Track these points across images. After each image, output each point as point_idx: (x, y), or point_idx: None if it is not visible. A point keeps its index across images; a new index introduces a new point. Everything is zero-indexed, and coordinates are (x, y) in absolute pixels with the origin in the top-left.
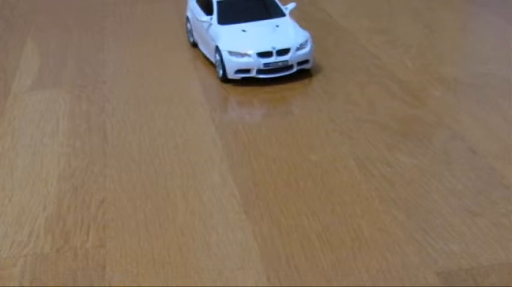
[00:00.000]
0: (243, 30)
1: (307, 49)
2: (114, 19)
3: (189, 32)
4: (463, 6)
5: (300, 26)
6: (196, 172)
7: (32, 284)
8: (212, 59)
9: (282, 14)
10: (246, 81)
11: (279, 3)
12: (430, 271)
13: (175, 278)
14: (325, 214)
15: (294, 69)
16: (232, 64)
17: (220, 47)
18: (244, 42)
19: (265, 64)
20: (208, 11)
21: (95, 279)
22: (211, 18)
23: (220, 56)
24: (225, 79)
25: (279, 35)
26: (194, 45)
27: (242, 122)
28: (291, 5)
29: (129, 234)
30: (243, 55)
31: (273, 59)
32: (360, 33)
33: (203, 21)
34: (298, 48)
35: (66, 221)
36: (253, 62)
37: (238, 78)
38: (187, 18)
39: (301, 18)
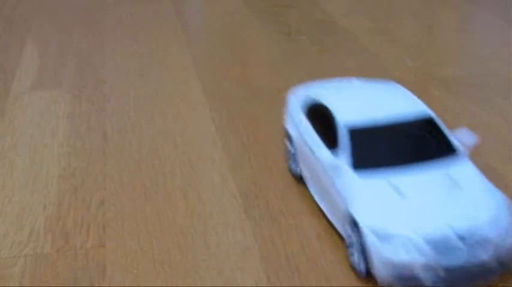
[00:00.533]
0: (398, 191)
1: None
2: (113, 19)
3: (291, 157)
4: (463, 6)
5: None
6: (196, 172)
7: (32, 284)
8: (338, 228)
9: (454, 151)
10: None
11: (448, 133)
12: None
13: (175, 278)
14: (325, 214)
15: (496, 274)
16: (385, 261)
17: (360, 223)
18: (403, 217)
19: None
20: (326, 134)
21: (95, 279)
22: (338, 157)
23: (360, 238)
24: (370, 278)
25: (462, 204)
26: (300, 178)
27: (243, 122)
28: (469, 137)
29: (129, 234)
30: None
31: (464, 256)
32: (360, 33)
33: (322, 160)
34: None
35: (66, 221)
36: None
37: None
38: (288, 134)
39: (300, 18)
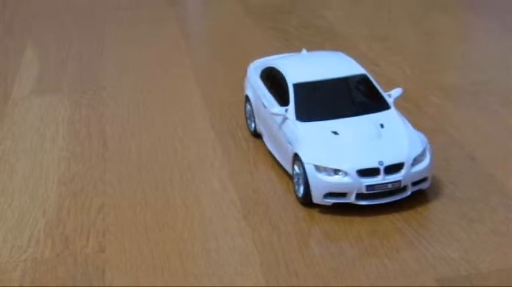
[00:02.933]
0: (334, 132)
1: (425, 162)
2: (114, 25)
3: (249, 118)
4: (462, 14)
5: (410, 123)
6: (196, 178)
7: None
8: (287, 168)
9: (386, 106)
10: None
11: (381, 89)
12: (428, 278)
13: (175, 284)
14: (325, 220)
15: (408, 193)
16: (320, 185)
17: (303, 158)
18: (337, 153)
19: (369, 187)
20: (279, 96)
21: (95, 284)
22: (286, 110)
23: (303, 170)
24: (307, 202)
25: (386, 141)
26: (256, 135)
27: (242, 129)
28: (396, 91)
29: (128, 239)
30: (336, 172)
31: (380, 179)
32: (359, 40)
33: (274, 114)
34: (414, 163)
35: (66, 226)
36: (352, 184)
37: (329, 204)
38: (247, 98)
39: (300, 25)
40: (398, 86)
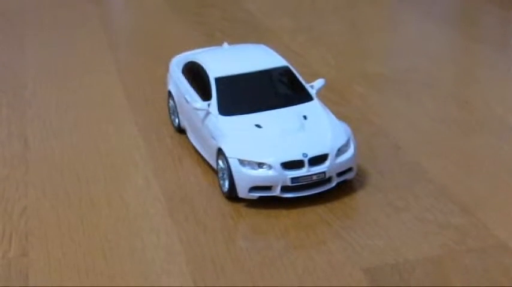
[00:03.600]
0: (258, 126)
1: (350, 153)
2: (34, 23)
3: (173, 113)
4: (386, 3)
5: (334, 114)
6: (120, 177)
7: None
8: (211, 163)
9: (309, 97)
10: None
11: (303, 81)
12: (356, 268)
13: (100, 284)
14: (251, 214)
15: (333, 184)
16: (245, 179)
17: (226, 153)
18: (261, 146)
19: (294, 179)
20: (201, 90)
21: None
22: (208, 105)
23: (227, 164)
24: (233, 197)
25: (310, 133)
26: (181, 130)
27: (166, 125)
28: (319, 82)
29: (52, 242)
30: (260, 165)
31: (305, 171)
32: (283, 32)
33: (196, 109)
34: (338, 153)
35: None
36: (277, 177)
37: (254, 198)
38: (170, 93)
39: (223, 18)
40: (322, 77)
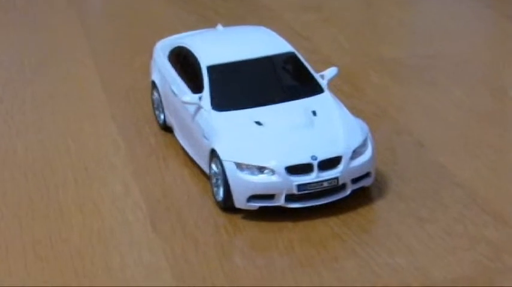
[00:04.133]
0: (258, 123)
1: (367, 155)
2: (3, 9)
3: (158, 108)
4: None
5: (348, 108)
6: (95, 182)
7: None
8: (203, 167)
9: (319, 89)
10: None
11: (311, 69)
12: None
13: None
14: (250, 228)
15: (348, 192)
16: (243, 186)
17: (221, 155)
18: (262, 147)
19: (301, 186)
20: (191, 81)
21: None
22: (199, 98)
23: (221, 169)
24: (229, 207)
25: (320, 132)
26: (166, 128)
27: (149, 122)
28: (331, 71)
29: (14, 258)
30: (261, 170)
31: (314, 176)
32: (286, 10)
33: (185, 103)
34: (353, 155)
35: None
36: (281, 183)
37: (254, 208)
38: (154, 84)
39: None
40: (334, 65)
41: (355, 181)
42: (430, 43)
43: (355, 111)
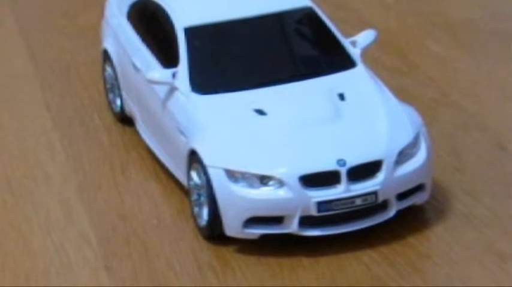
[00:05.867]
0: (259, 111)
1: (420, 159)
2: None
3: (111, 89)
4: None
5: (393, 92)
6: (21, 202)
7: None
8: (178, 175)
9: (348, 62)
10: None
11: (338, 33)
12: None
13: None
14: (247, 267)
15: (392, 212)
16: (237, 204)
17: (205, 159)
18: (264, 147)
19: (322, 205)
20: (162, 50)
21: None
22: (173, 75)
23: (206, 179)
24: (216, 235)
25: (350, 125)
26: (125, 118)
27: (99, 110)
28: (366, 36)
29: None
30: (264, 181)
31: (342, 190)
32: None
33: (153, 82)
34: (400, 160)
35: None
36: (293, 200)
37: (254, 237)
38: (106, 54)
39: None
40: (371, 26)
41: (401, 196)
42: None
43: (405, 95)
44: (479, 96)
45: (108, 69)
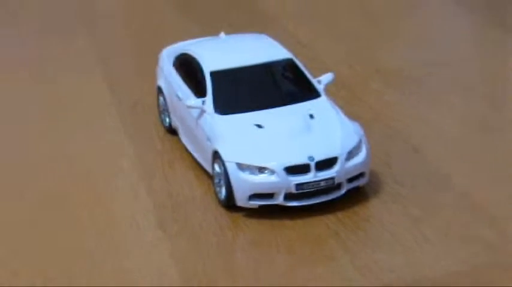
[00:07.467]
0: (258, 126)
1: (362, 156)
2: (6, 15)
3: (163, 112)
4: None
5: (343, 112)
6: (104, 186)
7: None
8: (206, 168)
9: (316, 94)
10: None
11: (309, 75)
12: None
13: None
14: (251, 226)
15: (343, 191)
16: (244, 185)
17: (223, 156)
18: (262, 148)
19: (299, 186)
20: (195, 86)
21: None
22: (203, 102)
23: (224, 169)
24: (231, 206)
25: (317, 134)
26: (172, 131)
27: (155, 126)
28: (327, 77)
29: (38, 257)
30: (261, 170)
31: (311, 176)
32: (287, 19)
33: (190, 107)
34: (349, 156)
35: None
36: (280, 183)
37: (255, 206)
38: (160, 89)
39: (221, 5)
40: (331, 71)
41: (350, 180)
42: (429, 52)
43: (352, 115)
44: (402, 119)
45: (161, 98)
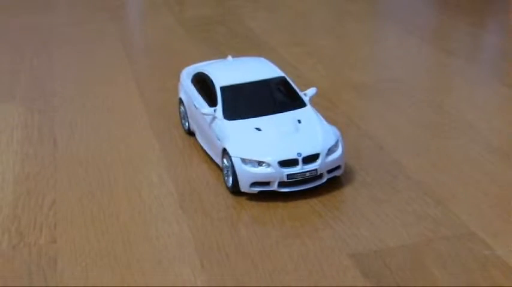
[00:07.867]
0: (257, 129)
1: (338, 152)
2: (61, 39)
3: (183, 118)
4: (370, 20)
5: (324, 118)
6: (137, 173)
7: None
8: (217, 161)
9: (302, 104)
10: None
11: (297, 89)
12: (343, 254)
13: (119, 268)
14: (252, 206)
15: (324, 179)
16: (246, 175)
17: (230, 152)
18: (260, 147)
19: (289, 175)
20: (209, 98)
21: (48, 271)
22: (215, 110)
23: (231, 163)
24: (236, 191)
25: (303, 135)
26: (190, 133)
27: (177, 128)
28: (311, 91)
29: (77, 231)
30: (260, 164)
31: (299, 168)
32: (280, 46)
33: (204, 114)
34: (328, 153)
35: (21, 221)
36: (274, 173)
37: (255, 192)
38: (181, 100)
39: (228, 35)
40: (314, 86)
41: (329, 171)
42: (388, 71)
43: (330, 120)
44: (370, 123)
45: (182, 107)
